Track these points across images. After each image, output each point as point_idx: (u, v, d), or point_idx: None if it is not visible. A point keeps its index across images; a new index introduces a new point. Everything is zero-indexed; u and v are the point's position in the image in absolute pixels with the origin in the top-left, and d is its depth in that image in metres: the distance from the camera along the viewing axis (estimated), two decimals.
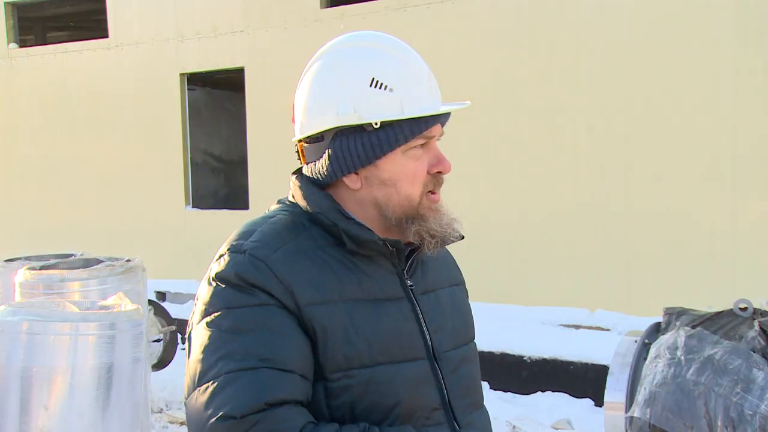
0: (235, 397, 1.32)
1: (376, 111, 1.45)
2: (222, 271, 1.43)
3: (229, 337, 1.37)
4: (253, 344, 1.36)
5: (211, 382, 1.35)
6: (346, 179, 1.50)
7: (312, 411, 1.40)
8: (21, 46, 10.90)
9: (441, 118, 1.49)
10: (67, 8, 11.56)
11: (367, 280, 1.47)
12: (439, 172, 1.51)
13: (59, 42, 11.25)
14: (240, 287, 1.40)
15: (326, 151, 1.50)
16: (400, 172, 1.48)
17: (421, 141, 1.48)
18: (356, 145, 1.47)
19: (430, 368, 1.49)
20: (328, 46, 1.54)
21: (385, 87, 1.45)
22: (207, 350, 1.38)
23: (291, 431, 1.32)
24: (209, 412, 1.33)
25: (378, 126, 1.45)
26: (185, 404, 1.42)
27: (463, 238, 1.58)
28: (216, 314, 1.40)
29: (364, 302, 1.45)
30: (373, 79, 1.46)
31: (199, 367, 1.38)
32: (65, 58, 10.33)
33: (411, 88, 1.47)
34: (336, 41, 1.54)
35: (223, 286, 1.42)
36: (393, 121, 1.45)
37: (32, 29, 12.38)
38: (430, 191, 1.51)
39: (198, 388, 1.37)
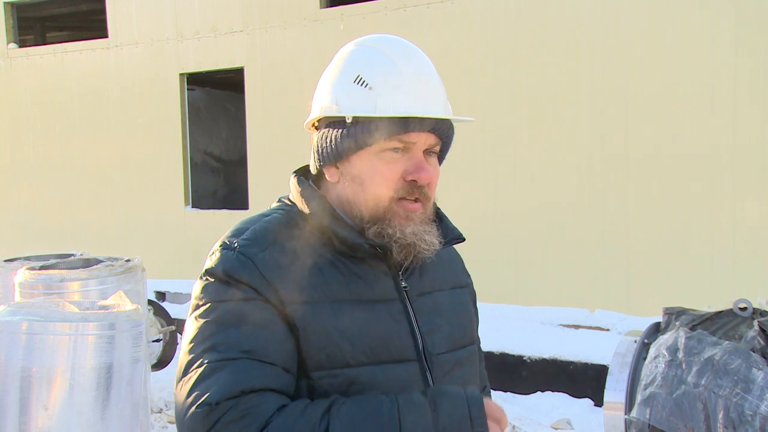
0: (214, 385, 1.34)
1: (351, 106, 1.46)
2: (211, 267, 1.47)
3: (214, 330, 1.40)
4: (237, 337, 1.38)
5: (194, 372, 1.37)
6: (325, 171, 1.53)
7: None
8: (20, 46, 10.90)
9: (423, 126, 1.46)
10: (67, 8, 11.56)
11: (356, 281, 1.48)
12: (414, 181, 1.47)
13: (59, 42, 11.25)
14: (227, 282, 1.43)
15: (314, 139, 1.54)
16: (368, 171, 1.47)
17: (396, 144, 1.46)
18: (332, 138, 1.49)
19: (419, 370, 1.48)
20: (347, 44, 1.57)
21: (366, 84, 1.46)
22: (193, 342, 1.41)
23: (264, 414, 1.33)
24: (189, 400, 1.35)
25: (351, 121, 1.46)
26: (174, 394, 1.44)
27: (448, 244, 1.56)
28: (204, 307, 1.43)
29: (351, 303, 1.45)
30: (357, 75, 1.47)
31: (185, 359, 1.41)
32: (65, 58, 10.33)
33: (392, 90, 1.45)
34: (353, 40, 1.56)
35: (212, 280, 1.45)
36: (368, 119, 1.45)
37: (32, 29, 12.39)
38: (403, 198, 1.48)
39: (183, 379, 1.39)
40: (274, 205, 1.61)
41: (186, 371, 1.39)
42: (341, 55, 1.54)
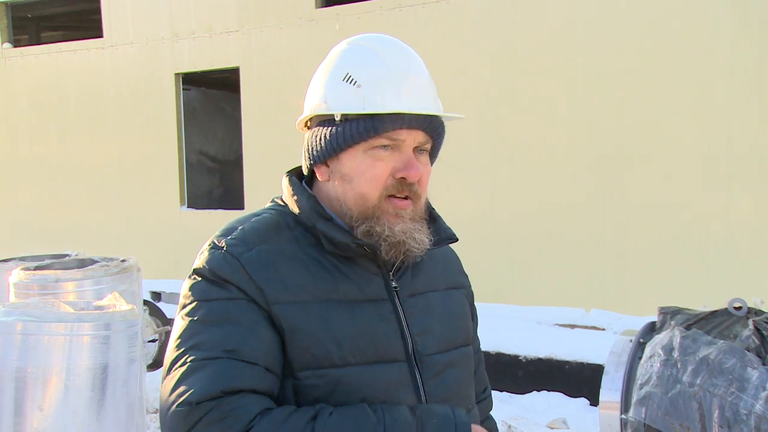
0: (195, 385, 1.34)
1: (340, 104, 1.46)
2: (199, 265, 1.48)
3: (199, 328, 1.41)
4: (220, 336, 1.39)
5: (177, 371, 1.38)
6: (316, 170, 1.53)
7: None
8: (15, 46, 10.87)
9: (411, 123, 1.45)
10: (62, 8, 11.54)
11: (345, 281, 1.47)
12: (404, 178, 1.47)
13: (54, 42, 11.23)
14: (213, 281, 1.44)
15: (305, 138, 1.54)
16: (357, 169, 1.47)
17: (385, 141, 1.46)
18: (322, 136, 1.49)
19: (408, 371, 1.47)
20: (339, 43, 1.57)
21: (354, 82, 1.46)
22: (179, 340, 1.42)
23: (245, 416, 1.33)
24: (172, 398, 1.36)
25: (340, 119, 1.46)
26: (160, 391, 1.45)
27: (440, 244, 1.56)
28: (191, 306, 1.44)
29: (339, 303, 1.45)
30: (347, 73, 1.47)
31: (171, 356, 1.42)
32: (60, 58, 10.30)
33: (381, 88, 1.45)
34: (345, 39, 1.56)
35: (200, 279, 1.46)
36: (357, 116, 1.45)
37: (26, 29, 12.35)
38: (392, 195, 1.47)
39: (167, 376, 1.40)
40: (268, 205, 1.61)
41: (170, 369, 1.40)
42: (332, 54, 1.54)
